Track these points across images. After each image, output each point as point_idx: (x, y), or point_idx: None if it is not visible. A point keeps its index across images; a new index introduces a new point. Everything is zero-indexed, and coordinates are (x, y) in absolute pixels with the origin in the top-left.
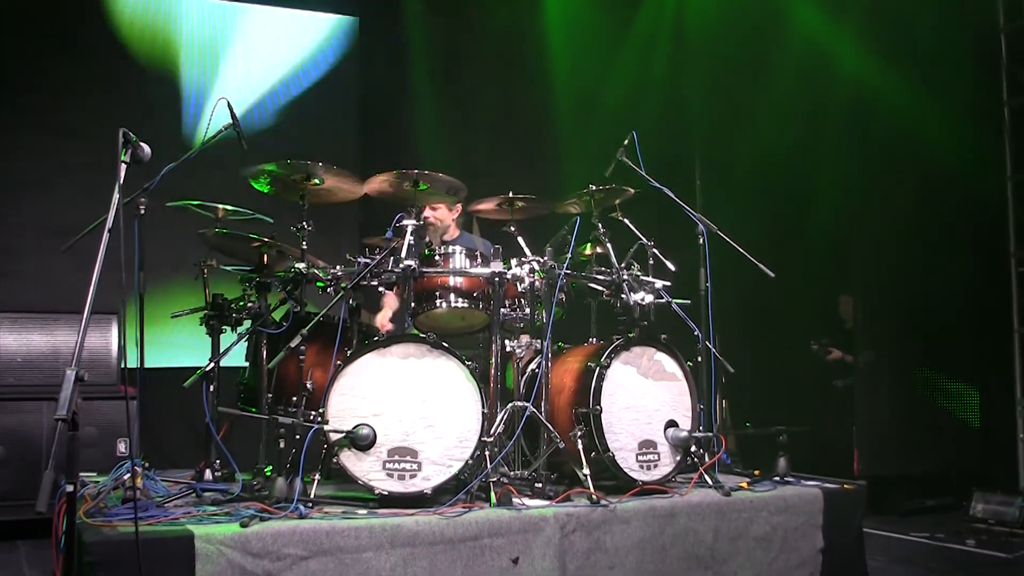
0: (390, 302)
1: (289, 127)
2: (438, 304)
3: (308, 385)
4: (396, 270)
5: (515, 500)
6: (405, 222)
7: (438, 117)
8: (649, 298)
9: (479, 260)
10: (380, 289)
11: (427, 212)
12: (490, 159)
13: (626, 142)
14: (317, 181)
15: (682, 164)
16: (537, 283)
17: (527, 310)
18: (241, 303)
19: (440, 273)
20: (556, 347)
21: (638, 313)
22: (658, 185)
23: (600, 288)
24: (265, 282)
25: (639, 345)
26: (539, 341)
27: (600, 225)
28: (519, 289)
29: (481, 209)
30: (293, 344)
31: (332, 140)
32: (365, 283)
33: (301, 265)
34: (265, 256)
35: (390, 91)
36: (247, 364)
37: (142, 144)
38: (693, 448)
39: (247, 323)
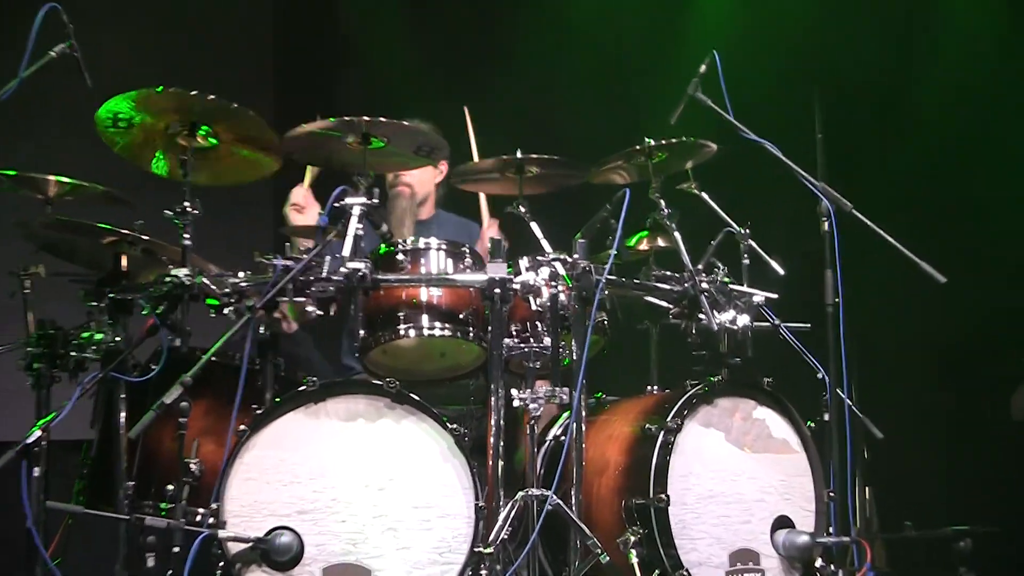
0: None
1: (164, 52)
2: (403, 332)
3: (193, 465)
4: (334, 277)
5: None
6: (349, 200)
7: (402, 34)
8: (744, 319)
9: (468, 259)
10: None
11: (395, 176)
12: (488, 101)
13: (702, 68)
14: (208, 138)
15: (791, 112)
16: (563, 296)
17: (546, 340)
18: (85, 335)
19: (407, 282)
20: (594, 400)
21: (727, 344)
22: (756, 137)
23: (664, 304)
24: (123, 300)
25: (729, 395)
26: (565, 391)
27: (663, 203)
28: (533, 307)
29: (473, 176)
30: (169, 399)
31: (232, 73)
32: (284, 299)
33: (182, 272)
34: (124, 259)
35: None
36: (95, 432)
37: None
38: (819, 562)
39: (94, 367)
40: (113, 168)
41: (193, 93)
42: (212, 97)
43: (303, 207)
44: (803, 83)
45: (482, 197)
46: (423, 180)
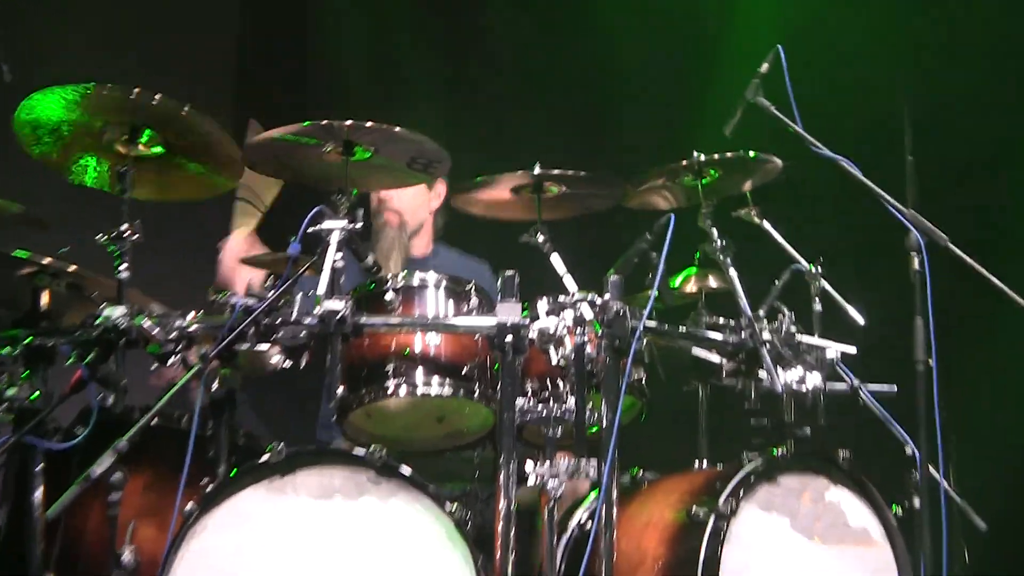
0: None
1: (105, 45)
2: (392, 389)
3: (127, 554)
4: (306, 321)
5: None
6: (326, 224)
7: (390, 28)
8: (815, 379)
9: (472, 300)
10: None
11: (380, 201)
12: (498, 108)
13: (763, 67)
14: (153, 146)
15: (874, 125)
16: (590, 347)
17: (569, 402)
18: None
19: (397, 327)
20: (628, 477)
21: (793, 409)
22: (830, 154)
23: (716, 358)
24: (43, 347)
25: (795, 473)
26: (593, 465)
27: (715, 233)
28: (554, 360)
29: (482, 199)
30: (98, 470)
31: (185, 69)
32: (244, 347)
33: (116, 312)
34: (44, 295)
35: None
36: (2, 511)
37: None
38: None
39: (4, 430)
40: (32, 182)
41: (135, 92)
42: (159, 97)
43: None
44: (888, 91)
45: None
46: (415, 207)
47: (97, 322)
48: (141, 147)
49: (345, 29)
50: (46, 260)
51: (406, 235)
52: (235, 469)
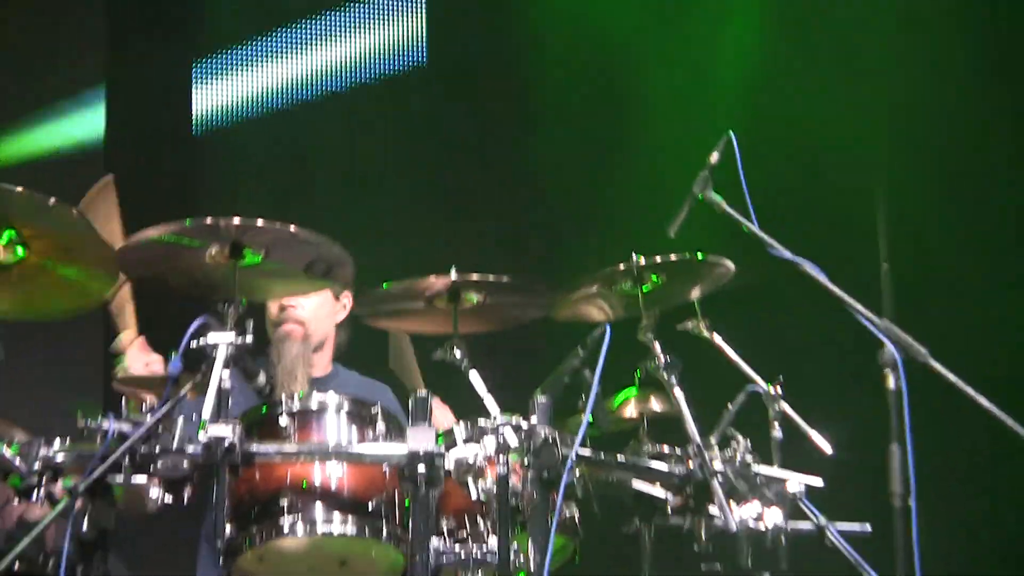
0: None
1: None
2: (287, 528)
3: None
4: (189, 450)
5: None
6: (211, 338)
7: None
8: (775, 517)
9: (379, 425)
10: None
11: (281, 308)
12: (412, 207)
13: (713, 156)
14: (13, 248)
15: (843, 219)
16: (515, 479)
17: (491, 542)
18: None
19: (293, 456)
20: None
21: (750, 552)
22: (790, 255)
23: (660, 493)
24: None
25: None
26: None
27: (658, 349)
28: (473, 494)
29: (391, 310)
30: None
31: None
32: (118, 479)
33: None
34: None
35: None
36: None
37: None
38: None
39: None
40: None
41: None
42: (20, 189)
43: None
44: (858, 186)
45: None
46: (319, 317)
47: None
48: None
49: (237, 112)
50: None
51: (310, 348)
52: None
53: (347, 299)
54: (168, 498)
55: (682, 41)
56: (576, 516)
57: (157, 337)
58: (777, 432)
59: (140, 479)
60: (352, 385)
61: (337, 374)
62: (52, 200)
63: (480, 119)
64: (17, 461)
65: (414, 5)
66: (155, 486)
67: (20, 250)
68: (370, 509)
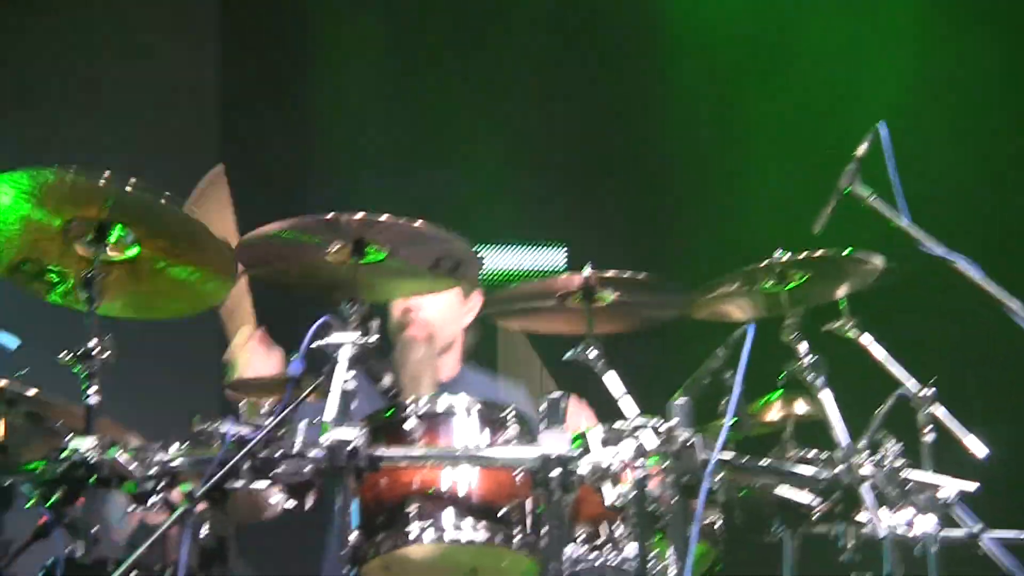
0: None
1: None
2: (414, 535)
3: None
4: (311, 454)
5: None
6: (334, 338)
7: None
8: (926, 524)
9: (510, 428)
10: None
11: (405, 311)
12: (545, 203)
13: (860, 149)
14: (126, 246)
15: (1000, 218)
16: (653, 484)
17: (628, 550)
18: None
19: (421, 461)
20: None
21: (900, 561)
22: (944, 252)
23: (806, 501)
24: None
25: None
26: None
27: (803, 349)
28: (609, 500)
29: (521, 310)
30: None
31: (165, 158)
32: (237, 485)
33: (85, 445)
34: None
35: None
36: None
37: None
38: None
39: None
40: None
41: (105, 178)
42: (133, 182)
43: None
44: (1015, 177)
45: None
46: (446, 318)
47: (62, 456)
48: (110, 249)
49: (355, 105)
50: (0, 384)
51: (435, 351)
52: None
53: (476, 299)
54: (289, 504)
55: (833, 25)
56: (717, 523)
57: (276, 338)
58: (929, 436)
59: (260, 485)
60: (482, 387)
61: (464, 376)
62: (165, 197)
63: (614, 108)
64: (132, 466)
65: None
66: (276, 492)
67: (133, 248)
68: (501, 516)
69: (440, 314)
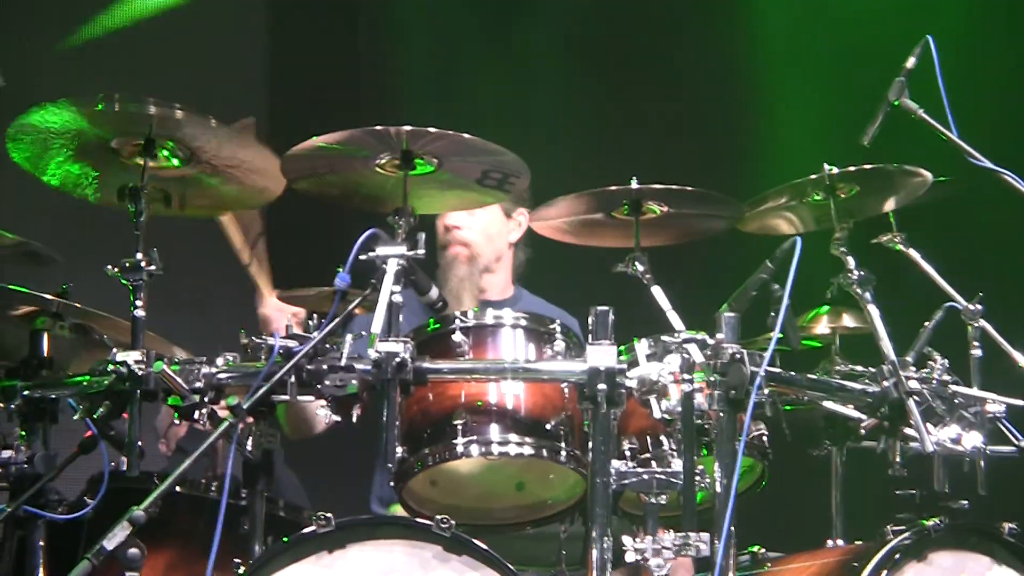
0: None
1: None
2: (461, 449)
3: None
4: (358, 367)
5: None
6: (381, 251)
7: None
8: (974, 439)
9: (558, 342)
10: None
11: (447, 229)
12: (591, 115)
13: (909, 62)
14: (169, 156)
15: None
16: (700, 398)
17: (675, 464)
18: None
19: (468, 374)
20: (747, 556)
21: (947, 476)
22: (992, 165)
23: (853, 414)
24: (43, 400)
25: (950, 549)
26: (704, 540)
27: (851, 263)
28: (656, 413)
29: (567, 222)
30: (111, 545)
31: (214, 84)
32: (283, 398)
33: (131, 358)
34: (45, 339)
35: None
36: None
37: None
38: None
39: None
40: (32, 210)
41: (152, 106)
42: (180, 108)
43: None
44: None
45: None
46: (489, 236)
47: (108, 370)
48: (155, 166)
49: (402, 23)
50: (47, 296)
51: (477, 269)
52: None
53: (522, 216)
54: (335, 418)
55: None
56: (764, 437)
57: (323, 249)
58: (976, 351)
59: (307, 397)
60: (538, 305)
61: (520, 297)
62: (212, 119)
63: (662, 18)
64: (178, 380)
65: None
66: (321, 406)
67: (177, 161)
68: (548, 430)
69: (481, 233)
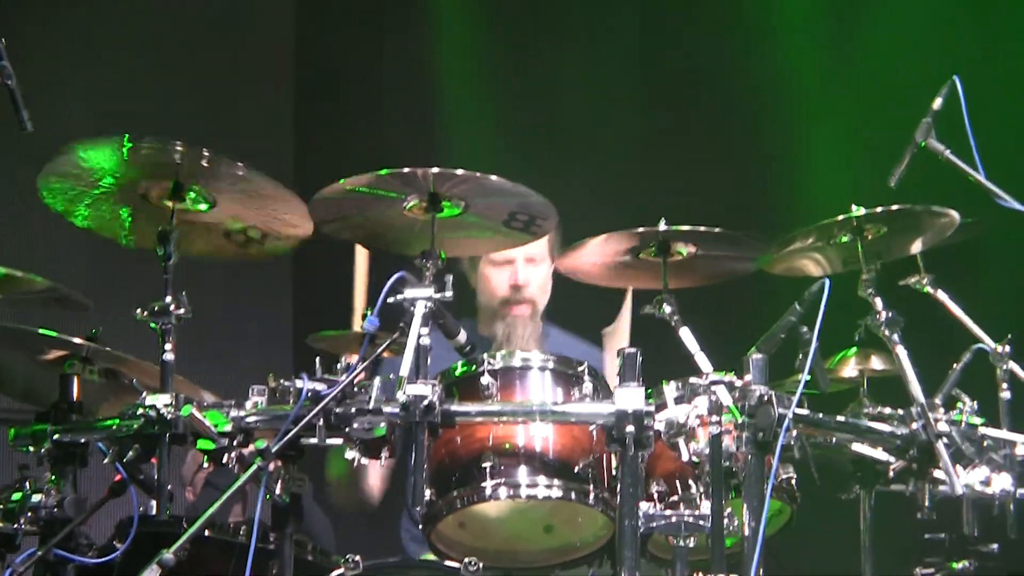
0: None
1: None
2: (489, 492)
3: None
4: (386, 410)
5: None
6: (409, 293)
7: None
8: (1003, 482)
9: (585, 384)
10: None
11: (510, 289)
12: (618, 156)
13: (936, 103)
14: (198, 202)
15: None
16: (728, 440)
17: (703, 507)
18: (16, 497)
19: (496, 416)
20: None
21: (976, 519)
22: (1020, 205)
23: (881, 458)
24: (73, 445)
25: None
26: None
27: (879, 305)
28: (684, 456)
29: (595, 264)
30: None
31: (241, 132)
32: (312, 442)
33: (160, 402)
34: (75, 383)
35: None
36: None
37: None
38: None
39: (29, 543)
40: (62, 253)
41: (179, 149)
42: (207, 154)
43: None
44: None
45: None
46: (547, 288)
47: (137, 414)
48: (181, 213)
49: (428, 66)
50: (77, 341)
51: (538, 324)
52: None
53: (554, 248)
54: (364, 461)
55: None
56: (793, 480)
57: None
58: (1006, 393)
59: (334, 441)
60: (564, 347)
61: (548, 334)
62: (239, 165)
63: (691, 58)
64: (207, 423)
65: None
66: (350, 449)
67: (204, 206)
68: (576, 472)
69: (541, 288)
